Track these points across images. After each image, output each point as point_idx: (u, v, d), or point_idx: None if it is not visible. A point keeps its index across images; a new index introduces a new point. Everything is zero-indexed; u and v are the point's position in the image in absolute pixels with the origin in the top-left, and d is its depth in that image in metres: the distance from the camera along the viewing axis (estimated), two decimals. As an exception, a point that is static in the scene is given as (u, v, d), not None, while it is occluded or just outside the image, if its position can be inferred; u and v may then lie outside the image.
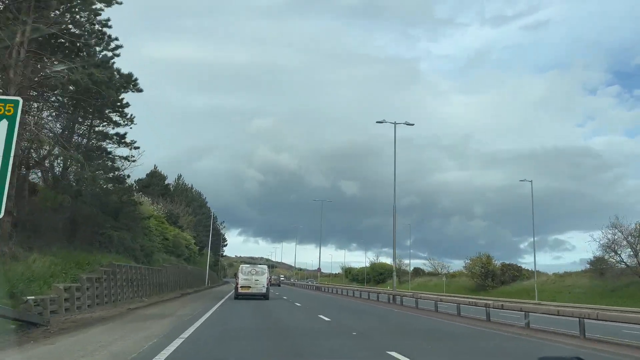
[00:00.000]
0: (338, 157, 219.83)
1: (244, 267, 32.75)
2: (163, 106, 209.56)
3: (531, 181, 48.73)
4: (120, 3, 17.09)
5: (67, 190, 23.83)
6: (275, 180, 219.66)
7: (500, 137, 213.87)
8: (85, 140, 28.67)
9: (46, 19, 16.42)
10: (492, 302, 18.35)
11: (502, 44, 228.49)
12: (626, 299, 35.20)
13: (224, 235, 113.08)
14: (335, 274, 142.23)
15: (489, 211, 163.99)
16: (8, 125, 7.59)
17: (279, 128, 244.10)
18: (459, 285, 67.72)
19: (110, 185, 32.08)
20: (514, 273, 56.90)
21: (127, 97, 28.00)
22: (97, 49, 19.64)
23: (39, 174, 28.19)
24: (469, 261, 63.05)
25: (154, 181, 66.73)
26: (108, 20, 17.68)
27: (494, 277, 58.03)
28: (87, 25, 17.34)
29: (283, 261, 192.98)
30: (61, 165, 28.90)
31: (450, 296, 27.19)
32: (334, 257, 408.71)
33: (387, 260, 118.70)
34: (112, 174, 31.06)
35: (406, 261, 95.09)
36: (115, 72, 18.06)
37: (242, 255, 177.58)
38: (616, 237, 42.73)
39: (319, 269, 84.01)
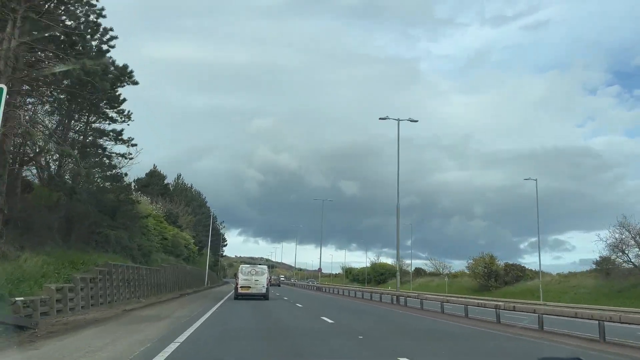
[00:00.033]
0: (338, 157, 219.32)
1: (244, 267, 32.53)
2: (163, 106, 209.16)
3: (536, 180, 48.09)
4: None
5: (62, 187, 23.03)
6: (275, 180, 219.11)
7: (500, 137, 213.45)
8: (81, 137, 27.98)
9: (38, 8, 15.71)
10: (503, 304, 17.62)
11: (502, 44, 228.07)
12: (634, 300, 34.44)
13: (223, 235, 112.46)
14: (336, 274, 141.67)
15: (489, 211, 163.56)
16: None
17: (279, 128, 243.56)
18: (461, 285, 66.96)
19: (108, 183, 31.42)
20: (518, 273, 56.13)
21: (124, 93, 27.38)
22: (92, 42, 18.90)
23: (34, 171, 27.53)
24: (471, 261, 62.30)
25: (153, 181, 66.20)
26: (102, 9, 16.96)
27: (497, 278, 57.28)
28: (81, 14, 16.57)
29: (283, 261, 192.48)
30: (57, 162, 28.25)
31: (457, 297, 26.46)
32: (334, 258, 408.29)
33: (388, 261, 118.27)
34: (109, 172, 30.41)
35: (407, 261, 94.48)
36: (109, 64, 17.33)
37: (242, 256, 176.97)
38: (624, 236, 42.08)
39: (320, 269, 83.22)
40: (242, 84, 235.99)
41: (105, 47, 17.55)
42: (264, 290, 30.45)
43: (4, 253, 16.91)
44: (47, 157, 26.12)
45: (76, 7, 17.59)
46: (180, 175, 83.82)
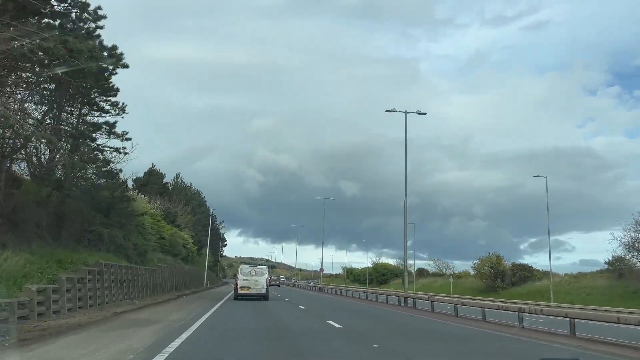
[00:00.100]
0: (338, 157, 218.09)
1: (244, 267, 32.31)
2: (163, 106, 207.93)
3: (546, 177, 46.65)
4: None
5: (47, 180, 21.56)
6: (275, 181, 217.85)
7: (501, 137, 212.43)
8: (74, 131, 26.50)
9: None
10: (527, 307, 16.12)
11: (502, 44, 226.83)
12: (651, 302, 32.99)
13: (223, 235, 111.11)
14: (336, 274, 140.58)
15: (489, 212, 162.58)
16: None
17: (279, 128, 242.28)
18: (465, 286, 65.50)
19: (103, 180, 30.01)
20: (525, 274, 54.57)
21: (119, 84, 26.01)
22: (81, 24, 17.43)
23: (22, 165, 26.11)
24: (477, 261, 60.78)
25: (152, 180, 65.16)
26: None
27: (503, 278, 55.77)
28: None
29: (283, 262, 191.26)
30: (46, 156, 26.84)
31: (472, 299, 24.94)
32: (334, 258, 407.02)
33: (389, 261, 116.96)
34: (104, 168, 29.01)
35: (410, 262, 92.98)
36: (96, 43, 15.86)
37: (241, 256, 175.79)
38: (640, 234, 40.57)
39: (322, 269, 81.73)
40: (242, 84, 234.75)
41: (92, 25, 16.06)
42: (263, 291, 30.41)
43: (-20, 251, 15.45)
44: (32, 148, 24.68)
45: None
46: (179, 174, 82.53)
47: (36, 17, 16.02)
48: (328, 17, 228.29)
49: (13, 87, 19.07)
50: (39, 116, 19.83)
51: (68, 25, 16.81)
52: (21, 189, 24.41)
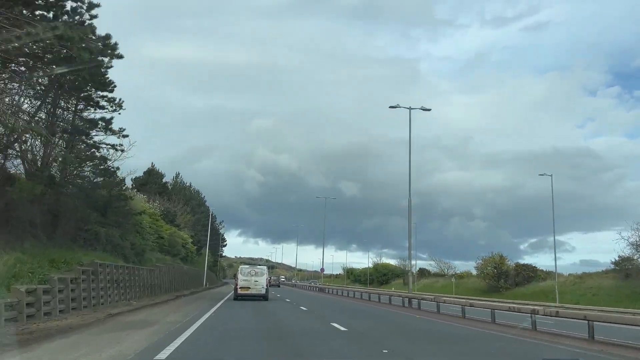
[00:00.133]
0: (338, 157, 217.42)
1: (244, 268, 32.19)
2: (163, 106, 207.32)
3: (551, 175, 45.91)
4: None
5: (39, 176, 20.86)
6: (275, 181, 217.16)
7: (501, 137, 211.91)
8: (65, 124, 25.76)
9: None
10: (541, 309, 15.36)
11: (503, 45, 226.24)
12: (660, 302, 32.25)
13: (223, 235, 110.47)
14: (337, 274, 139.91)
15: (489, 212, 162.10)
16: None
17: (279, 128, 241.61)
18: (468, 286, 64.75)
19: (100, 179, 29.30)
20: (529, 274, 53.77)
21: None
22: (74, 14, 16.67)
23: (16, 162, 25.40)
24: (480, 261, 60.00)
25: (151, 179, 64.69)
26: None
27: (506, 278, 54.99)
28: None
29: (283, 262, 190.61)
30: (41, 153, 26.12)
31: (480, 300, 24.19)
32: (334, 258, 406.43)
33: (389, 261, 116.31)
34: (101, 165, 28.28)
35: (412, 262, 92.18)
36: (88, 32, 15.10)
37: (241, 256, 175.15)
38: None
39: (322, 269, 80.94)
40: (242, 84, 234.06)
41: (87, 16, 15.32)
42: (263, 291, 30.43)
43: (-33, 250, 14.72)
44: (27, 145, 23.98)
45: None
46: (178, 173, 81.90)
47: (29, 8, 15.35)
48: (328, 17, 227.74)
49: (6, 81, 18.40)
50: (31, 110, 19.05)
51: (64, 18, 16.06)
52: (15, 186, 23.68)
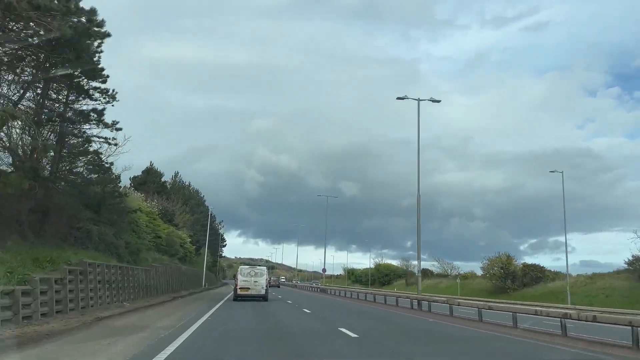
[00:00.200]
0: (338, 157, 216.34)
1: (243, 268, 32.11)
2: (163, 106, 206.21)
3: (562, 172, 44.46)
4: None
5: (20, 169, 19.43)
6: (275, 181, 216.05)
7: (501, 138, 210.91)
8: (50, 112, 24.33)
9: None
10: (573, 312, 13.90)
11: (503, 45, 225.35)
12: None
13: (222, 235, 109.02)
14: (337, 275, 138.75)
15: (489, 213, 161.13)
16: None
17: (279, 128, 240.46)
18: (473, 287, 63.32)
19: (95, 175, 27.90)
20: (537, 274, 52.33)
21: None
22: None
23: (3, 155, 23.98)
24: (486, 261, 58.55)
25: (149, 178, 63.54)
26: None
27: (513, 279, 53.52)
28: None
29: (283, 262, 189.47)
30: (29, 145, 24.72)
31: (499, 302, 22.69)
32: (335, 259, 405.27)
33: (389, 262, 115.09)
34: (93, 160, 26.88)
35: (414, 262, 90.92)
36: (71, 5, 13.61)
37: (241, 257, 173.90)
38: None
39: (324, 269, 79.48)
40: (242, 84, 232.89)
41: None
42: (263, 292, 30.50)
43: None
44: (16, 138, 22.56)
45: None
46: (177, 173, 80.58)
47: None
48: (328, 17, 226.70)
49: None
50: (13, 96, 17.61)
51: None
52: (0, 180, 22.29)
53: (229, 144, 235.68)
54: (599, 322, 12.67)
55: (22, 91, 18.84)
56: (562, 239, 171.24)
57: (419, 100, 28.55)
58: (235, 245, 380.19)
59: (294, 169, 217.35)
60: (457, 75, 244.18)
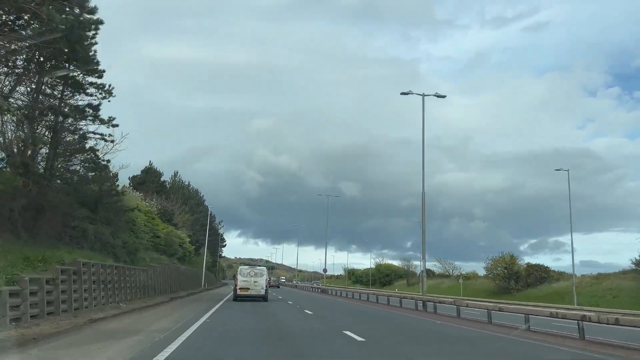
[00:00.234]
0: (338, 158, 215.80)
1: (243, 268, 32.11)
2: (163, 106, 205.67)
3: (567, 170, 43.79)
4: None
5: (11, 163, 18.73)
6: (274, 181, 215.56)
7: (501, 138, 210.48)
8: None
9: None
10: (593, 314, 13.16)
11: (503, 46, 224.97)
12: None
13: (222, 236, 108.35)
14: (337, 275, 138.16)
15: (489, 213, 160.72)
16: None
17: (279, 128, 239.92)
18: (475, 287, 62.59)
19: (92, 174, 27.24)
20: (541, 274, 51.61)
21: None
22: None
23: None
24: (489, 262, 57.85)
25: (149, 178, 63.00)
26: None
27: (517, 279, 52.80)
28: None
29: (283, 263, 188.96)
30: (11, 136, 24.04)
31: (512, 304, 21.94)
32: (335, 259, 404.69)
33: (390, 262, 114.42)
34: (89, 155, 26.22)
35: (415, 262, 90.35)
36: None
37: (241, 257, 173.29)
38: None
39: (325, 269, 78.78)
40: (242, 84, 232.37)
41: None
42: (263, 292, 30.51)
43: None
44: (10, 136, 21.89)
45: None
46: (177, 172, 79.96)
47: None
48: (328, 17, 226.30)
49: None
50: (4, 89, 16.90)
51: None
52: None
53: (229, 144, 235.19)
54: (621, 324, 11.97)
55: (13, 84, 18.10)
56: (562, 239, 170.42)
57: (423, 95, 27.90)
58: (235, 246, 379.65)
59: (294, 169, 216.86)
60: (457, 76, 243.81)
